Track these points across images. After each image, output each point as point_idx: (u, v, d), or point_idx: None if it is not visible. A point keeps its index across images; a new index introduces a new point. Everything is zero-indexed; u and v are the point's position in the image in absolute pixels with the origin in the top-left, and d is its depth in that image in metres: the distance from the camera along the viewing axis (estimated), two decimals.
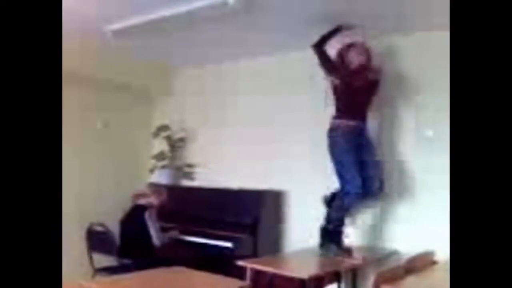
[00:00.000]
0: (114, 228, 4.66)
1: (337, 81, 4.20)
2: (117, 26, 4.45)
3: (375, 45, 4.37)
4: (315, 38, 4.13)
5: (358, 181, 4.07)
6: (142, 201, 4.84)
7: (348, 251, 4.13)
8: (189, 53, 5.56)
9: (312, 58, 4.18)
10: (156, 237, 4.56)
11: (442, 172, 4.10)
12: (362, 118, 4.24)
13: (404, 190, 4.37)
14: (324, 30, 4.11)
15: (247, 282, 3.40)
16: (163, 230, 4.71)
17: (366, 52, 4.22)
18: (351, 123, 4.17)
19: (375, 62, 4.29)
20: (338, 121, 4.19)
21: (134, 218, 4.70)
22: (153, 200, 4.84)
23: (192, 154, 6.07)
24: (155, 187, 5.20)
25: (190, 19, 4.19)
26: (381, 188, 4.30)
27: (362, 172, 4.13)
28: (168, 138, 6.07)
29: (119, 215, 4.82)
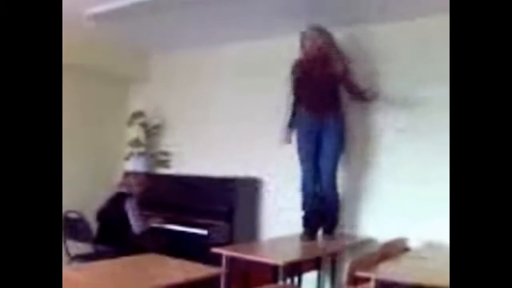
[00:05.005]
0: (88, 215, 4.63)
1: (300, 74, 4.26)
2: (95, 9, 4.38)
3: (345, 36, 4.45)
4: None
5: (309, 176, 4.21)
6: (123, 189, 4.83)
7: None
8: (167, 38, 5.51)
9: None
10: (135, 225, 4.56)
11: (417, 164, 4.20)
12: (323, 111, 4.20)
13: (376, 181, 4.44)
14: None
15: (223, 269, 3.42)
16: (143, 218, 4.71)
17: (320, 36, 4.19)
18: (311, 115, 4.20)
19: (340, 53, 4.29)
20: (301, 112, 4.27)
21: (114, 206, 4.70)
22: (135, 188, 4.83)
23: (168, 141, 6.04)
24: (137, 175, 5.18)
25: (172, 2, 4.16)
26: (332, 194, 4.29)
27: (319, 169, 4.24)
28: (143, 125, 6.03)
29: (94, 202, 4.79)
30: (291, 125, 4.30)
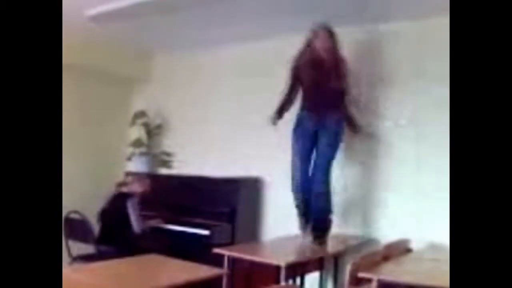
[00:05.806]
0: (90, 215, 4.63)
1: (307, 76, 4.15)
2: (95, 10, 4.38)
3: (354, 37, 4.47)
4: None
5: (298, 181, 4.10)
6: (125, 189, 4.83)
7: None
8: (168, 39, 5.52)
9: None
10: (136, 225, 4.55)
11: (418, 161, 4.19)
12: (324, 112, 4.11)
13: (379, 181, 4.43)
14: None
15: (225, 269, 3.41)
16: (143, 218, 4.70)
17: (331, 39, 4.08)
18: (311, 116, 4.12)
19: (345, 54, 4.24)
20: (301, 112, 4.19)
21: (115, 206, 4.69)
22: (136, 188, 4.83)
23: (170, 142, 6.04)
24: (138, 176, 5.17)
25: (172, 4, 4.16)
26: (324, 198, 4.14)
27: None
28: (145, 125, 6.03)
29: (95, 202, 4.79)
30: (281, 113, 4.20)
